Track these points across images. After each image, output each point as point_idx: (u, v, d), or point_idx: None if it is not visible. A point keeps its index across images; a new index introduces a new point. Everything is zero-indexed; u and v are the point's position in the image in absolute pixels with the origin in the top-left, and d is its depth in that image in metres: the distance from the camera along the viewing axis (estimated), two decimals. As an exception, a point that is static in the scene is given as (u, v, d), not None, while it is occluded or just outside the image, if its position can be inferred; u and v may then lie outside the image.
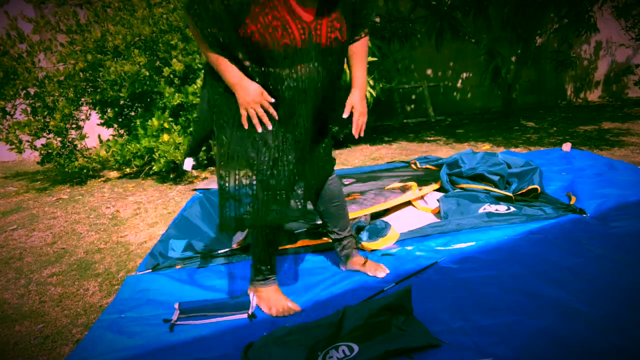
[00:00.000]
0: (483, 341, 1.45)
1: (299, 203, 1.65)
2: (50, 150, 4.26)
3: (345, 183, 3.25)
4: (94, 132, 5.88)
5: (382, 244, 2.22)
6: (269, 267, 1.77)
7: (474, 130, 5.68)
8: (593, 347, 1.37)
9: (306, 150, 1.64)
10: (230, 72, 1.50)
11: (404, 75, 6.74)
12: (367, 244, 2.21)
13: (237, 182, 1.56)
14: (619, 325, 1.46)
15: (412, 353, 1.41)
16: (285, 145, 1.57)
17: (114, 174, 4.65)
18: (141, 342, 1.62)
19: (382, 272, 1.96)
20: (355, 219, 2.47)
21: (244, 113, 1.53)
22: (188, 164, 1.68)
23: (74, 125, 4.38)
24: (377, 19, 5.70)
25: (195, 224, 2.72)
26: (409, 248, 2.18)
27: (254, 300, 1.77)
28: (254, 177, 1.56)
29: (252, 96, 1.50)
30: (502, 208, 2.47)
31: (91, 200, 3.75)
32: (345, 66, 1.69)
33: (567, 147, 3.91)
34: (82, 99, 4.32)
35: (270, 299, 1.75)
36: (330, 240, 2.34)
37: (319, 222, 2.51)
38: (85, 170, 4.57)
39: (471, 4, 5.55)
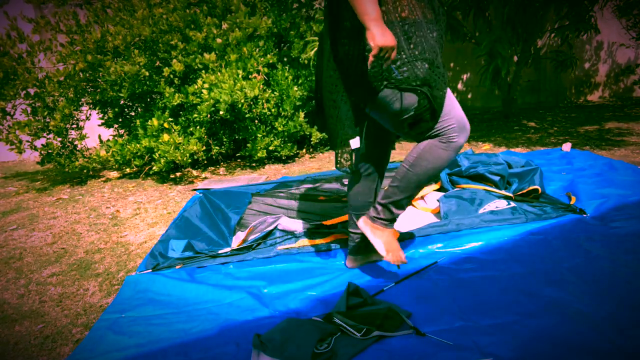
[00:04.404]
0: (483, 341, 1.45)
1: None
2: (50, 151, 4.27)
3: (345, 183, 3.25)
4: (94, 132, 5.87)
5: (382, 244, 2.22)
6: (399, 213, 1.76)
7: (474, 130, 5.68)
8: (593, 347, 1.38)
9: None
10: (373, 5, 1.37)
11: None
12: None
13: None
14: (619, 325, 1.46)
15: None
16: None
17: (114, 174, 4.65)
18: (142, 341, 1.63)
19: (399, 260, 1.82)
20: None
21: (374, 52, 1.40)
22: (355, 142, 1.68)
23: (74, 126, 4.39)
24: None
25: (195, 224, 2.72)
26: (409, 248, 2.18)
27: (367, 232, 1.76)
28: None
29: (390, 39, 1.38)
30: (502, 204, 2.47)
31: (91, 200, 3.75)
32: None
33: (567, 147, 3.91)
34: (82, 99, 4.32)
35: (391, 243, 1.74)
36: (331, 240, 2.34)
37: (319, 222, 2.51)
38: (85, 171, 4.57)
39: (471, 4, 5.55)
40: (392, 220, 1.78)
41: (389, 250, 1.73)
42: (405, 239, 2.27)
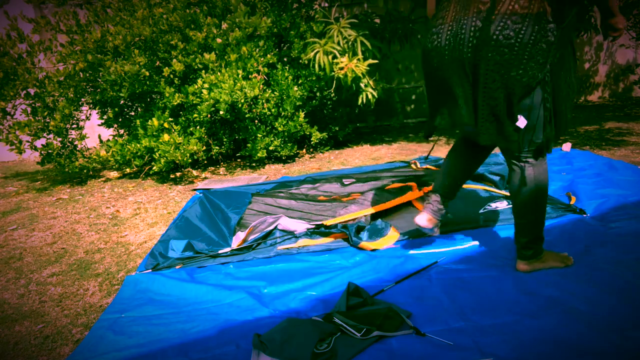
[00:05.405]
0: (483, 341, 1.45)
1: None
2: (50, 151, 4.27)
3: (345, 183, 3.25)
4: (94, 132, 5.87)
5: (382, 243, 2.22)
6: (540, 236, 1.88)
7: (474, 130, 5.67)
8: (593, 347, 1.38)
9: None
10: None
11: (405, 75, 6.75)
12: (367, 244, 2.21)
13: None
14: (619, 325, 1.46)
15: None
16: None
17: (114, 174, 4.65)
18: (142, 341, 1.63)
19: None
20: (355, 219, 2.47)
21: (619, 33, 1.62)
22: (567, 146, 1.74)
23: (74, 126, 4.39)
24: (377, 20, 5.69)
25: (195, 224, 2.72)
26: (409, 248, 2.18)
27: (542, 266, 1.90)
28: None
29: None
30: (502, 204, 2.47)
31: (91, 200, 3.75)
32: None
33: (567, 147, 3.91)
34: (82, 99, 4.32)
35: (553, 257, 1.90)
36: (331, 240, 2.35)
37: (319, 222, 2.51)
38: (85, 171, 4.57)
39: (471, 4, 5.53)
40: (538, 249, 1.89)
41: (558, 260, 1.91)
42: (406, 238, 2.27)
